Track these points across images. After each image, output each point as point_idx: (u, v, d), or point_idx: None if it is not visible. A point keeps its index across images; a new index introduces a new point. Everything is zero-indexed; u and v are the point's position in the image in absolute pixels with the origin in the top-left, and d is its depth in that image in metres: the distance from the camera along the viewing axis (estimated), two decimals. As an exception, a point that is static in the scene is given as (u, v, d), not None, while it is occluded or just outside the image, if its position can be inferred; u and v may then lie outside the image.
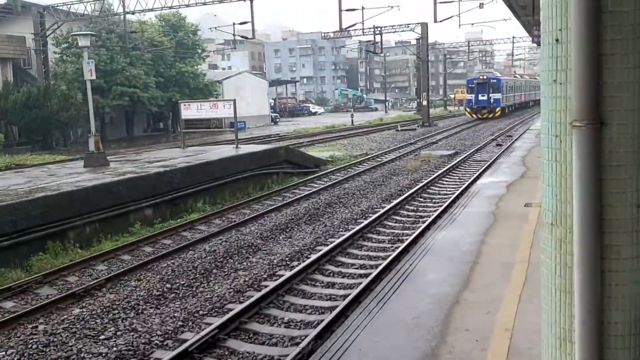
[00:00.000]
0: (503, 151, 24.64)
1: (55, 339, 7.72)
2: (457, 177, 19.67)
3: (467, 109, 54.11)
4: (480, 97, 52.02)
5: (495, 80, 52.92)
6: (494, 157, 22.81)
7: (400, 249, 10.69)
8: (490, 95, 51.43)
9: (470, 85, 54.33)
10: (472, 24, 73.70)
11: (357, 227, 12.64)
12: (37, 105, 34.17)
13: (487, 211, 11.39)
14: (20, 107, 33.71)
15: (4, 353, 7.34)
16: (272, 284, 9.25)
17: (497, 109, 51.88)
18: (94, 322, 8.27)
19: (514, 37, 62.82)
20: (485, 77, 53.27)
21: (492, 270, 7.65)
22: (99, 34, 39.06)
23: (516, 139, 29.01)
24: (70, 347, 7.45)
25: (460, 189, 16.37)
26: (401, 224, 13.33)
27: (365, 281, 9.09)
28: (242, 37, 39.54)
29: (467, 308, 6.35)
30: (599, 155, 2.23)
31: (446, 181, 18.99)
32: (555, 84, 2.33)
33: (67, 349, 7.42)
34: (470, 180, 17.85)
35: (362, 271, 10.14)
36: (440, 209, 13.94)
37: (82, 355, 7.21)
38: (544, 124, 2.44)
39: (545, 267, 2.50)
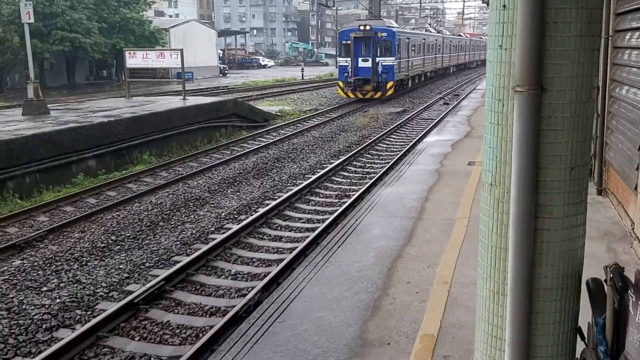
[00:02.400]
0: (450, 110, 25.10)
1: (-5, 291, 7.56)
2: (404, 135, 19.96)
3: (340, 83, 31.32)
4: (360, 64, 30.57)
5: (385, 34, 30.72)
6: (441, 116, 23.21)
7: (347, 204, 10.87)
8: (379, 59, 30.45)
9: (344, 42, 31.44)
10: (425, -19, 73.36)
11: (305, 182, 12.74)
12: (-30, 48, 32.26)
13: (431, 169, 11.68)
14: (-49, 49, 31.78)
15: (-60, 305, 7.15)
16: (219, 237, 9.28)
17: (389, 84, 30.71)
18: (35, 274, 8.13)
19: (465, -4, 63.08)
20: (368, 27, 30.37)
21: (434, 226, 7.92)
22: (37, -27, 36.80)
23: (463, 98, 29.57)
24: (11, 299, 7.32)
25: (407, 147, 16.66)
26: (348, 180, 13.51)
27: (312, 235, 9.24)
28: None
29: (409, 262, 6.59)
30: (538, 119, 2.34)
31: (393, 139, 19.25)
32: (501, 49, 2.40)
33: (8, 300, 7.29)
34: (416, 138, 18.16)
35: (310, 225, 10.28)
36: (387, 166, 14.18)
37: (23, 306, 7.10)
38: (488, 88, 2.53)
39: (483, 225, 2.63)
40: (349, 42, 30.56)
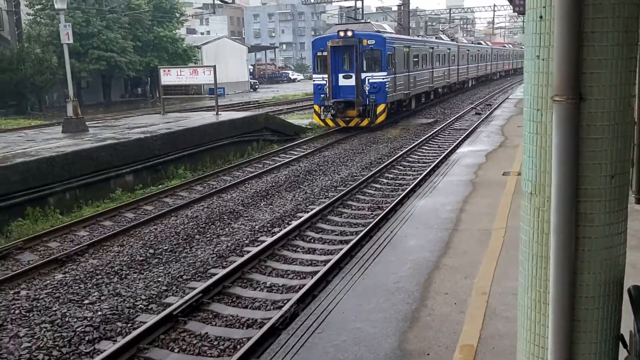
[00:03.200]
0: (482, 120, 24.88)
1: (38, 304, 7.79)
2: (436, 146, 19.87)
3: (316, 107, 23.96)
4: (341, 81, 23.37)
5: (373, 41, 23.27)
6: (474, 126, 23.04)
7: (380, 216, 10.88)
8: (365, 75, 23.16)
9: (318, 54, 23.83)
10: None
11: (337, 195, 12.79)
12: (11, 69, 33.37)
13: (466, 179, 11.61)
14: (-7, 70, 32.95)
15: (-12, 317, 7.40)
16: (254, 250, 9.39)
17: (380, 108, 23.29)
18: (77, 287, 8.35)
19: (495, 6, 62.70)
20: (350, 32, 22.97)
21: (471, 237, 7.87)
22: (74, -5, 38.06)
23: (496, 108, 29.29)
24: (54, 312, 7.53)
25: (440, 158, 16.58)
26: (381, 192, 13.51)
27: (346, 247, 9.27)
28: (221, 0, 38.81)
29: (446, 273, 6.57)
30: (578, 128, 2.35)
31: (425, 150, 19.19)
32: (538, 59, 2.43)
33: (51, 313, 7.50)
34: (449, 149, 18.07)
35: (343, 237, 10.32)
36: (420, 177, 14.14)
37: (66, 319, 7.30)
38: (526, 98, 2.55)
39: (524, 234, 2.64)
40: (325, 53, 23.09)
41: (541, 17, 2.38)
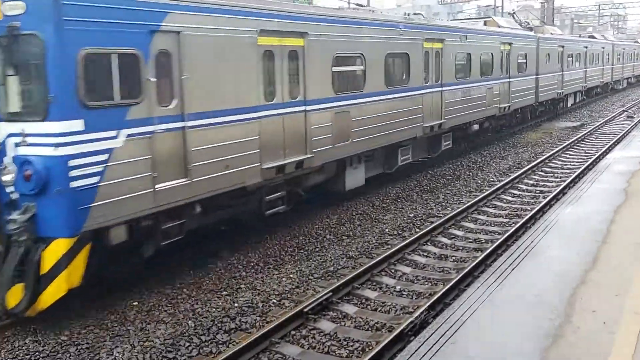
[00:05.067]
0: (635, 124, 22.77)
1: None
2: (582, 151, 18.47)
3: None
4: None
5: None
6: (625, 130, 21.14)
7: (519, 224, 10.30)
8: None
9: None
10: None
11: (472, 200, 12.32)
12: None
13: (617, 188, 10.64)
14: None
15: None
16: (383, 253, 9.29)
17: None
18: (216, 279, 8.75)
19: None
20: None
21: (623, 251, 7.17)
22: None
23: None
24: (196, 300, 7.93)
25: (587, 164, 15.39)
26: (519, 199, 12.80)
27: (481, 255, 8.89)
28: (356, 4, 39.25)
29: (594, 288, 6.02)
30: None
31: (570, 155, 17.91)
32: None
33: (193, 302, 7.91)
34: (597, 154, 16.71)
35: (477, 245, 9.91)
36: (564, 184, 13.21)
37: (206, 308, 7.65)
38: None
39: None
40: None
41: None
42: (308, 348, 6.60)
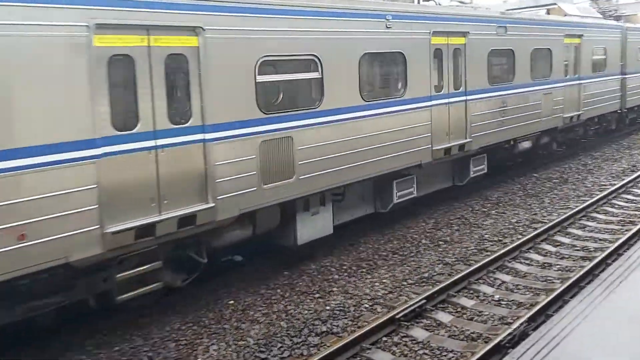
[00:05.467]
0: None
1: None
2: None
3: None
4: None
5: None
6: None
7: (631, 232, 9.55)
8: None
9: None
10: None
11: (581, 206, 11.58)
12: None
13: None
14: None
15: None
16: (482, 260, 8.96)
17: None
18: (309, 281, 8.84)
19: None
20: None
21: None
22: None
23: None
24: (290, 301, 8.05)
25: None
26: (633, 205, 11.87)
27: (589, 265, 8.33)
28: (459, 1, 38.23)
29: None
30: None
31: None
32: None
33: (287, 303, 8.03)
34: None
35: (584, 254, 9.30)
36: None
37: (298, 310, 7.74)
38: None
39: None
40: None
41: None
42: (399, 356, 6.48)
